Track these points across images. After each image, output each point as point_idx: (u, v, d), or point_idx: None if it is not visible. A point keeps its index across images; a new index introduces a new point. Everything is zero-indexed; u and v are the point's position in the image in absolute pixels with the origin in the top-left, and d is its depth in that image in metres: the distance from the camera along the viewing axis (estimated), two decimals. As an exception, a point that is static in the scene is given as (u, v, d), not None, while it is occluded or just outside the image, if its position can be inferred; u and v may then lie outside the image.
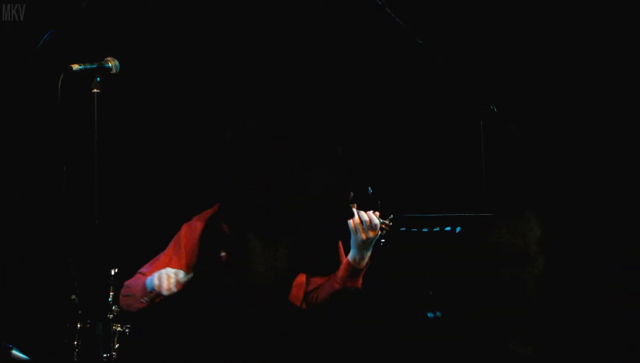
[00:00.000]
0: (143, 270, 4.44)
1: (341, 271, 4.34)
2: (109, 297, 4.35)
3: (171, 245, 4.49)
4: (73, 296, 3.88)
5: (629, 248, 4.36)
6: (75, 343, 4.31)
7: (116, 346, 4.34)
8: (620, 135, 4.92)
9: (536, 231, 3.24)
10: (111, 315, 4.29)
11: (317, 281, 4.43)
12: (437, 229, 3.33)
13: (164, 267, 4.39)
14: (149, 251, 4.71)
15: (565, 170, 4.96)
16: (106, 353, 4.06)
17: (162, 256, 4.46)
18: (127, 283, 4.38)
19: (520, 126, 4.85)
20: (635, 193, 4.75)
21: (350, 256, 4.32)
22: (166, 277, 4.18)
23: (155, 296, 4.30)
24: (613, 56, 4.93)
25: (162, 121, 5.25)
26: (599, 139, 4.96)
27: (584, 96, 4.98)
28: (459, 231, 3.31)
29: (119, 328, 4.36)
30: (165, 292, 4.18)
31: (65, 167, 3.85)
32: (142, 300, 4.33)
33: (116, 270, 4.39)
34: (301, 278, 4.43)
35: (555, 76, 5.00)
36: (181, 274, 4.21)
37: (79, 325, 4.30)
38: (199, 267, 4.45)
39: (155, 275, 4.21)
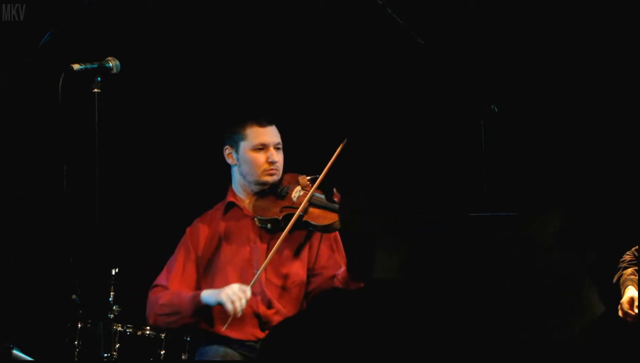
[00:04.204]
0: (162, 282, 4.42)
1: (344, 271, 4.33)
2: (109, 297, 4.36)
3: (180, 250, 4.48)
4: (73, 296, 3.88)
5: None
6: (76, 343, 4.31)
7: (117, 346, 4.34)
8: (621, 133, 4.92)
9: (554, 226, 3.25)
10: (112, 315, 4.30)
11: (317, 280, 4.43)
12: (439, 229, 3.32)
13: (181, 276, 4.39)
14: (149, 252, 4.72)
15: (566, 169, 4.96)
16: (107, 353, 4.06)
17: (175, 264, 4.45)
18: (162, 302, 4.35)
19: (520, 126, 4.86)
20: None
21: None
22: (238, 299, 4.18)
23: (208, 310, 4.29)
24: (613, 55, 4.93)
25: (163, 121, 5.25)
26: (600, 138, 4.96)
27: (585, 95, 4.98)
28: (459, 231, 3.30)
29: (119, 328, 4.37)
30: (238, 314, 4.19)
31: (66, 167, 3.85)
32: (194, 316, 4.32)
33: (116, 270, 4.40)
34: (302, 277, 4.43)
35: (556, 75, 5.00)
36: (248, 291, 4.21)
37: (79, 325, 4.31)
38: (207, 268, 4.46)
39: (223, 298, 4.19)
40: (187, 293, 4.35)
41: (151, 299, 4.39)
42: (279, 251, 4.38)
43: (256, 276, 4.28)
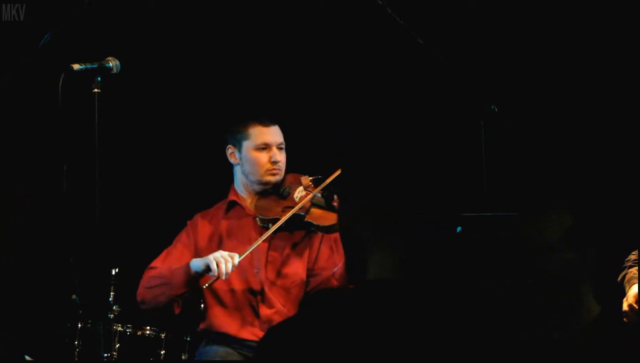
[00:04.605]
0: (157, 265, 4.42)
1: (340, 269, 4.34)
2: (109, 297, 4.36)
3: (181, 238, 4.49)
4: (74, 296, 3.88)
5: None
6: (76, 343, 4.31)
7: (117, 346, 4.35)
8: (622, 132, 4.92)
9: (563, 225, 3.25)
10: (112, 315, 4.30)
11: (316, 280, 4.43)
12: (439, 229, 3.32)
13: (177, 261, 4.39)
14: (149, 252, 4.71)
15: (567, 169, 4.96)
16: (107, 353, 4.06)
17: (174, 251, 4.45)
18: (153, 273, 4.36)
19: (520, 126, 4.86)
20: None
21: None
22: (224, 261, 4.17)
23: (197, 279, 4.27)
24: (613, 55, 4.93)
25: (163, 121, 5.25)
26: (600, 137, 4.96)
27: (585, 95, 4.98)
28: (459, 231, 3.31)
29: (119, 328, 4.37)
30: (223, 276, 4.17)
31: (66, 167, 3.85)
32: (183, 287, 4.30)
33: (116, 270, 4.40)
34: (302, 277, 4.43)
35: (556, 75, 5.00)
36: (236, 258, 4.21)
37: (79, 325, 4.31)
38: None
39: (210, 258, 4.19)
40: (178, 265, 4.35)
41: (143, 277, 4.40)
42: (280, 250, 4.39)
43: (248, 250, 4.27)
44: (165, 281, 4.31)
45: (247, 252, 4.27)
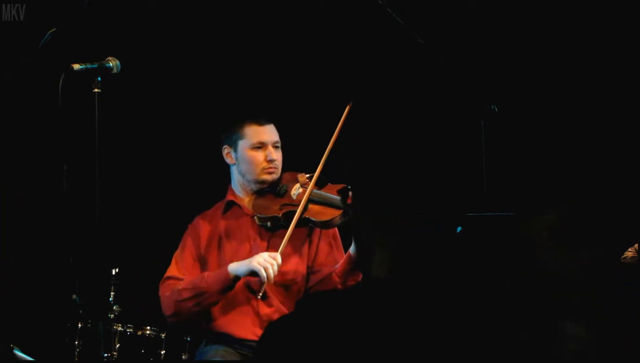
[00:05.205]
0: (173, 274, 4.40)
1: (341, 265, 4.34)
2: (109, 297, 4.36)
3: (186, 243, 4.47)
4: (74, 296, 3.88)
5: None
6: (76, 342, 4.32)
7: (117, 346, 4.35)
8: (622, 132, 4.92)
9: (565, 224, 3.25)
10: (112, 315, 4.30)
11: (316, 278, 4.44)
12: (439, 229, 3.32)
13: (191, 266, 4.39)
14: (149, 251, 4.72)
15: (566, 169, 4.96)
16: (107, 353, 4.06)
17: (184, 256, 4.44)
18: (183, 287, 4.33)
19: (520, 126, 4.86)
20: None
21: (351, 250, 4.33)
22: (270, 265, 4.20)
23: (235, 284, 4.30)
24: (613, 55, 4.94)
25: (163, 121, 5.26)
26: (600, 137, 4.96)
27: (585, 94, 4.98)
28: (459, 231, 3.31)
29: (119, 328, 4.37)
30: (272, 280, 4.21)
31: (66, 167, 3.85)
32: (220, 294, 4.30)
33: (116, 270, 4.40)
34: (302, 274, 4.44)
35: (556, 75, 5.00)
36: (278, 257, 4.24)
37: (79, 325, 4.31)
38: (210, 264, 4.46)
39: (256, 265, 4.21)
40: (209, 273, 4.34)
41: (166, 291, 4.36)
42: (278, 248, 4.39)
43: (284, 241, 4.28)
44: (201, 292, 4.30)
45: (284, 243, 4.28)
